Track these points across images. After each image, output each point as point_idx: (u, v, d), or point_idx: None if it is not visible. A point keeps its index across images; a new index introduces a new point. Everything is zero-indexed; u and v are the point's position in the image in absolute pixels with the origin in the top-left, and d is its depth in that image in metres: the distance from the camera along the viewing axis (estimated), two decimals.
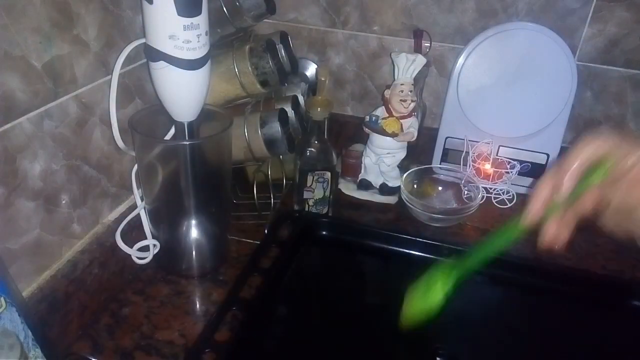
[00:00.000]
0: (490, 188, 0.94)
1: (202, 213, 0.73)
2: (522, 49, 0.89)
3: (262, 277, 0.67)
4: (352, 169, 0.96)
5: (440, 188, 0.94)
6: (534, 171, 0.95)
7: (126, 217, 0.70)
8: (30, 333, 0.48)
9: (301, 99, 0.91)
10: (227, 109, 0.75)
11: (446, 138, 0.97)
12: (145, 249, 0.72)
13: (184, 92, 0.63)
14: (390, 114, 0.88)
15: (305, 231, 0.79)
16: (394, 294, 0.71)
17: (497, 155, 0.95)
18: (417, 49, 0.92)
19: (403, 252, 0.76)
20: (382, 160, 0.91)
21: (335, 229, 0.81)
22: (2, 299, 0.45)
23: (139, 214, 0.71)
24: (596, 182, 0.43)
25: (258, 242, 0.76)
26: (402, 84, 0.86)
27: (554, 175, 0.45)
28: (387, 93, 0.89)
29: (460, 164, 0.95)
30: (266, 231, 0.81)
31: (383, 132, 0.88)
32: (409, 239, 0.77)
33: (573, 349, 0.64)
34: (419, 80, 0.91)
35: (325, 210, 0.85)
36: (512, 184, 0.94)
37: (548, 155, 0.94)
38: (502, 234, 0.49)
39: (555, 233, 0.45)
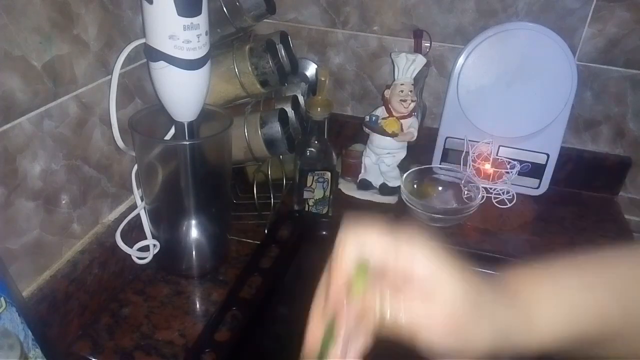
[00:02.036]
0: (490, 188, 0.94)
1: (202, 213, 0.73)
2: (522, 49, 0.89)
3: (262, 277, 0.67)
4: (352, 169, 0.96)
5: (440, 188, 0.94)
6: (534, 171, 0.95)
7: (126, 217, 0.70)
8: (30, 333, 0.48)
9: (301, 99, 0.91)
10: (227, 109, 0.75)
11: (446, 138, 0.97)
12: (145, 249, 0.72)
13: (184, 92, 0.64)
14: (390, 114, 0.88)
15: (305, 231, 0.78)
16: None
17: (497, 155, 0.95)
18: (417, 49, 0.92)
19: None
20: (382, 160, 0.91)
21: (335, 229, 0.80)
22: (2, 299, 0.45)
23: (139, 214, 0.71)
24: (359, 292, 0.34)
25: (258, 242, 0.76)
26: (402, 84, 0.86)
27: (322, 294, 0.35)
28: (387, 93, 0.89)
29: (460, 164, 0.95)
30: (266, 231, 0.81)
31: (383, 132, 0.88)
32: None
33: None
34: (419, 80, 0.91)
35: (325, 210, 0.85)
36: (512, 184, 0.94)
37: (548, 155, 0.94)
38: None
39: None
